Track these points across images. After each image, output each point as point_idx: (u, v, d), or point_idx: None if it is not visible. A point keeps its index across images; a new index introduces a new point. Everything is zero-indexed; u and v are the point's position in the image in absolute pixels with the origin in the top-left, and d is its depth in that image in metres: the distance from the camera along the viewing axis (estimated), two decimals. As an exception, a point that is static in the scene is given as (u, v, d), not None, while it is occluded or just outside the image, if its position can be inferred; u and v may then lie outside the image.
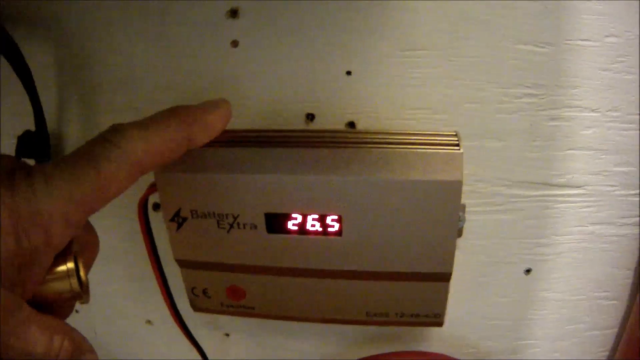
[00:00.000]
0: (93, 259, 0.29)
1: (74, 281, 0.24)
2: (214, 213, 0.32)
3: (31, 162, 0.39)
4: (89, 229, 0.29)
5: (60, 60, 0.38)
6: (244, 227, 0.32)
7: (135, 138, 0.25)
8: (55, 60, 0.38)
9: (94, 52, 0.37)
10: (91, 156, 0.23)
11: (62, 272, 0.24)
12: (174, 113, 0.27)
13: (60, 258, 0.24)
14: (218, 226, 0.32)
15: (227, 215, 0.32)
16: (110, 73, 0.38)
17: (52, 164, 0.23)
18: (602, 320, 0.40)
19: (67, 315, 0.28)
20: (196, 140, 0.28)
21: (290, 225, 0.32)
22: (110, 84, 0.38)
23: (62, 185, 0.22)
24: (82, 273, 0.25)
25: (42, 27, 0.37)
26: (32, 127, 0.39)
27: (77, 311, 0.47)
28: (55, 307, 0.26)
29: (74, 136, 0.40)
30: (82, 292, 0.25)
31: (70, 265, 0.24)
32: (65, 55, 0.38)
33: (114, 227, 0.42)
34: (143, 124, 0.26)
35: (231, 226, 0.32)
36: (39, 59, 0.38)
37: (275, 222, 0.32)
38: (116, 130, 0.25)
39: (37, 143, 0.39)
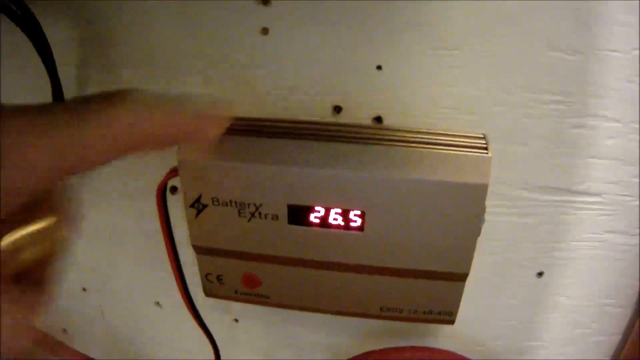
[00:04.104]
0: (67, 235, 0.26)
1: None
2: (235, 202, 0.31)
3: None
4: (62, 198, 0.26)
5: (81, 36, 0.37)
6: (265, 217, 0.31)
7: (127, 118, 0.23)
8: (75, 36, 0.37)
9: (116, 29, 0.36)
10: (76, 118, 0.20)
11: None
12: (173, 107, 0.25)
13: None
14: (239, 215, 0.31)
15: (249, 204, 0.31)
16: (132, 52, 0.36)
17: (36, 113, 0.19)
18: (608, 327, 0.40)
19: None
20: (188, 140, 0.26)
21: (313, 217, 0.31)
22: (132, 63, 0.36)
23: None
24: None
25: (63, 3, 0.36)
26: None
27: (84, 289, 0.46)
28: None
29: (92, 114, 0.39)
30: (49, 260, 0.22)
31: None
32: (87, 32, 0.36)
33: (128, 208, 0.41)
34: (139, 107, 0.24)
35: (252, 215, 0.31)
36: (60, 34, 0.36)
37: (298, 214, 0.31)
38: (113, 101, 0.23)
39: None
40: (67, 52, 0.37)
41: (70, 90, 0.38)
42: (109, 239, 0.43)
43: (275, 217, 0.31)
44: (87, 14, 0.36)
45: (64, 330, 0.49)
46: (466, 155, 0.28)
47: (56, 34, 0.36)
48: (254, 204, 0.31)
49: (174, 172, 0.32)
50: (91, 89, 0.38)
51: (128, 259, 0.43)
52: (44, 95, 0.37)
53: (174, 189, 0.38)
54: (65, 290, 0.47)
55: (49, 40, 0.35)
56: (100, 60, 0.37)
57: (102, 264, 0.44)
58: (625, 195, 0.35)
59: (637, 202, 0.35)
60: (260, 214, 0.31)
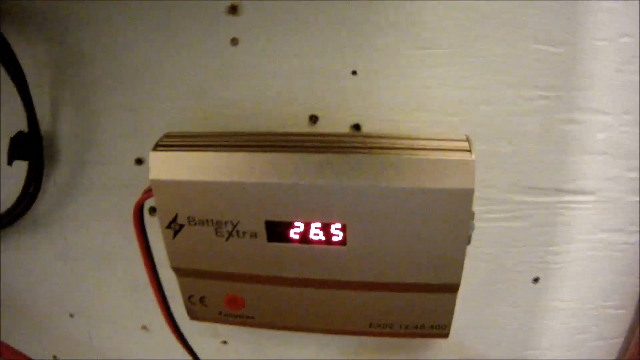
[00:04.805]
0: None
1: None
2: (212, 220, 0.29)
3: (24, 164, 0.37)
4: None
5: (54, 58, 0.35)
6: (244, 235, 0.29)
7: None
8: (49, 58, 0.35)
9: (89, 49, 0.34)
10: None
11: None
12: None
13: None
14: (216, 234, 0.30)
15: (225, 222, 0.29)
16: (106, 71, 0.35)
17: None
18: (609, 330, 0.37)
19: None
20: None
21: (292, 233, 0.29)
22: (106, 82, 0.35)
23: None
24: None
25: (35, 23, 0.34)
26: (25, 128, 0.36)
27: (71, 315, 0.44)
28: None
29: (67, 137, 0.37)
30: None
31: None
32: (60, 53, 0.35)
33: (111, 230, 0.39)
34: None
35: (230, 234, 0.30)
36: (32, 56, 0.35)
37: (277, 231, 0.29)
38: None
39: (30, 144, 0.36)
40: (40, 74, 0.36)
41: (45, 114, 0.37)
42: (94, 263, 0.41)
43: (254, 235, 0.29)
44: (58, 35, 0.34)
45: (54, 357, 0.47)
46: (449, 160, 0.26)
47: (29, 55, 0.35)
48: (231, 222, 0.29)
49: (149, 192, 0.30)
50: (65, 111, 0.37)
51: (114, 283, 0.41)
52: (19, 119, 0.35)
53: (153, 210, 0.37)
54: (53, 317, 0.45)
55: (22, 63, 0.34)
56: (73, 81, 0.36)
57: (88, 288, 0.42)
58: (620, 191, 0.33)
59: (632, 198, 0.33)
60: (238, 232, 0.29)
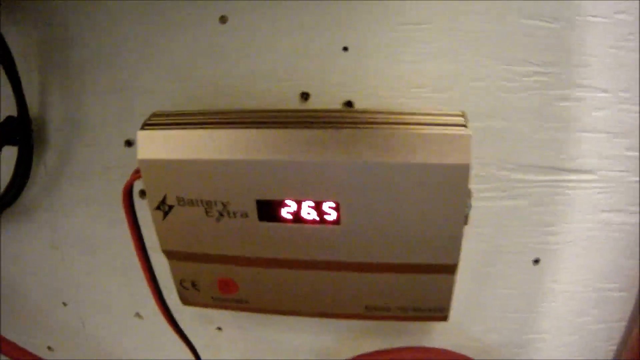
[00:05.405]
0: None
1: None
2: (201, 200, 0.28)
3: (14, 149, 0.36)
4: None
5: (42, 41, 0.34)
6: (234, 216, 0.28)
7: None
8: (36, 41, 0.34)
9: (77, 31, 0.33)
10: None
11: None
12: None
13: None
14: (206, 214, 0.29)
15: (215, 202, 0.28)
16: (94, 53, 0.34)
17: None
18: (611, 313, 0.36)
19: None
20: None
21: (284, 213, 0.28)
22: (94, 64, 0.34)
23: None
24: None
25: (22, 6, 0.33)
26: (14, 113, 0.35)
27: (64, 304, 0.43)
28: None
29: (56, 121, 0.36)
30: None
31: None
32: (48, 36, 0.34)
33: (102, 215, 0.38)
34: None
35: (220, 214, 0.28)
36: (20, 40, 0.34)
37: (268, 210, 0.28)
38: None
39: (20, 129, 0.35)
40: (28, 58, 0.35)
41: (33, 98, 0.36)
42: (86, 249, 0.40)
43: (245, 215, 0.28)
44: (46, 17, 0.33)
45: (49, 348, 0.46)
46: (444, 134, 0.25)
47: (17, 39, 0.34)
48: (221, 202, 0.28)
49: (138, 173, 0.29)
50: (53, 94, 0.36)
51: (107, 270, 0.40)
52: (8, 103, 0.35)
53: (144, 194, 0.36)
54: (46, 306, 0.44)
55: (10, 46, 0.33)
56: (61, 64, 0.35)
57: (81, 276, 0.41)
58: (621, 170, 0.32)
59: (633, 178, 0.32)
60: (228, 212, 0.28)
